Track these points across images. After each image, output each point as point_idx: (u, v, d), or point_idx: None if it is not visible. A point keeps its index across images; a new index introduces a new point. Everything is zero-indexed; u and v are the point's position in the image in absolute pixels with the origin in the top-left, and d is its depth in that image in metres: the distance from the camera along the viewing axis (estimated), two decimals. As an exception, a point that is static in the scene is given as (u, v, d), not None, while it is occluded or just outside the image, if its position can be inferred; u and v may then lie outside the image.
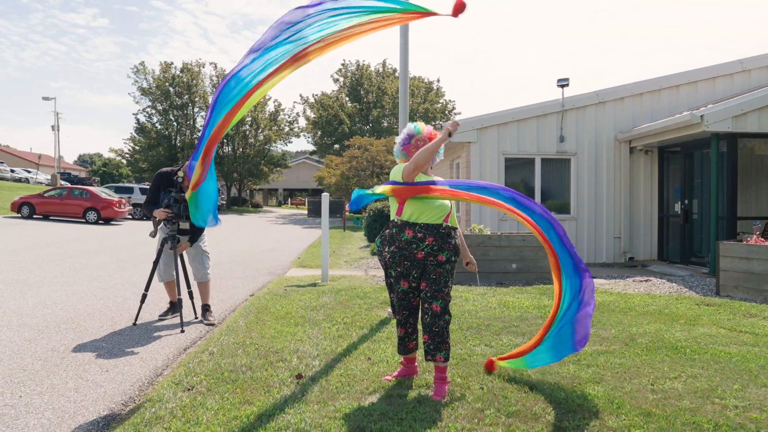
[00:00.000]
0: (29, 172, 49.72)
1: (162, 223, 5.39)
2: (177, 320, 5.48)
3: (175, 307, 5.66)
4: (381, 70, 45.43)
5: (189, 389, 3.51)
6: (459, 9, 3.12)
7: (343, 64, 45.83)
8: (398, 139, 3.78)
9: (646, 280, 8.63)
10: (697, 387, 3.58)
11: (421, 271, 3.59)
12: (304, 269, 9.98)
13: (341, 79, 45.83)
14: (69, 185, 32.61)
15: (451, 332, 5.02)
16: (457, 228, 3.72)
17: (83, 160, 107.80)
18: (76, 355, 4.34)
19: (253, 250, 13.60)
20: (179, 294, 5.29)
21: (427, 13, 3.21)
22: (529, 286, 7.96)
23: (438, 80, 46.39)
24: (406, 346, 3.79)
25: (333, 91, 46.07)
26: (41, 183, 45.21)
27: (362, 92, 44.01)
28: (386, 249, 3.62)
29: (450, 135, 3.49)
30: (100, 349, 4.52)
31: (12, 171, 46.48)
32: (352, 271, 9.93)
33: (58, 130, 52.08)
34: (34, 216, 23.05)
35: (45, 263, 9.99)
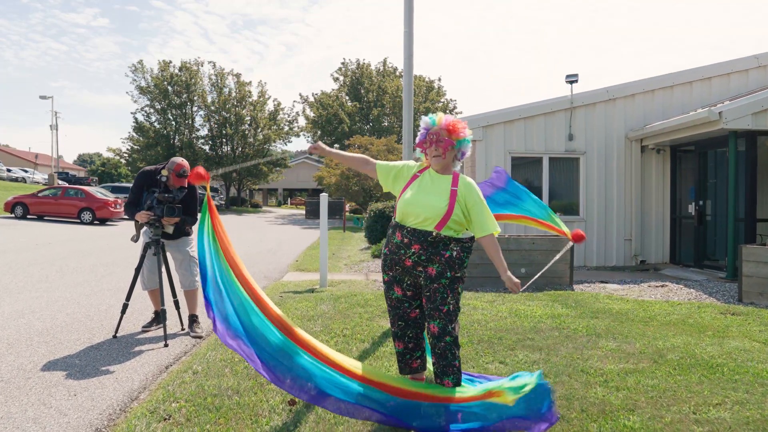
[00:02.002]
0: (26, 171, 49.23)
1: (145, 227, 4.95)
2: (161, 332, 5.03)
3: (159, 317, 5.21)
4: (381, 68, 44.95)
5: (165, 419, 3.07)
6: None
7: (343, 63, 45.35)
8: (418, 137, 3.35)
9: (662, 286, 8.19)
10: (747, 417, 3.13)
11: (413, 279, 3.19)
12: (302, 273, 9.54)
13: (341, 78, 45.35)
14: (64, 185, 32.16)
15: (461, 346, 4.61)
16: (458, 239, 3.09)
17: (83, 160, 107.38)
18: (44, 374, 3.89)
19: (250, 252, 13.15)
20: (163, 304, 4.84)
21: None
22: (540, 292, 7.51)
23: (439, 79, 46.02)
24: (407, 363, 3.36)
25: (333, 90, 45.57)
26: (38, 183, 44.72)
27: (362, 91, 43.53)
28: (382, 250, 3.30)
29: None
30: (72, 367, 4.08)
31: (8, 170, 45.97)
32: (352, 275, 9.48)
33: (57, 130, 51.73)
34: (28, 216, 22.60)
35: (31, 266, 9.55)
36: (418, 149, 3.29)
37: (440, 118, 3.23)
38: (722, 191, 9.70)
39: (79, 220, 22.00)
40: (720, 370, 4.00)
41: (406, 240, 3.10)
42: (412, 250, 3.08)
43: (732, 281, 8.58)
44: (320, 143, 3.42)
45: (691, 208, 10.53)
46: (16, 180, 44.48)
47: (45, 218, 22.66)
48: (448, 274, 3.06)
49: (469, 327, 5.27)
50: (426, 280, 3.11)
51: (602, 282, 8.66)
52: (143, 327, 5.20)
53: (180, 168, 4.82)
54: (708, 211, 10.22)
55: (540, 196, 10.89)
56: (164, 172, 4.78)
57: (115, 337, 4.92)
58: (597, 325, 5.46)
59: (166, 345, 4.67)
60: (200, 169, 3.11)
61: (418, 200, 3.11)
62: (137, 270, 4.96)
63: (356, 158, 3.47)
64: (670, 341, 4.83)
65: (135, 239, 5.01)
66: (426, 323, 3.17)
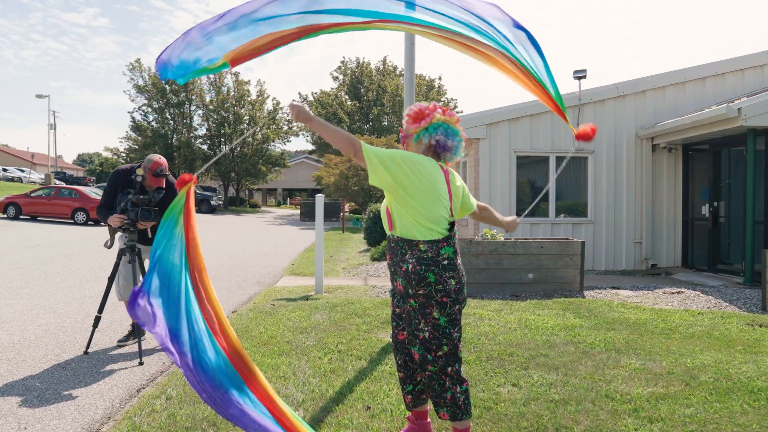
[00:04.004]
0: (23, 171, 48.75)
1: (119, 232, 4.49)
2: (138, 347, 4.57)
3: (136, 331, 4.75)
4: (381, 67, 44.49)
5: (125, 460, 2.61)
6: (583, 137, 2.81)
7: (342, 62, 44.88)
8: None
9: (678, 292, 7.73)
10: (809, 459, 2.68)
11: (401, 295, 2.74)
12: (297, 278, 9.08)
13: (341, 77, 44.90)
14: (58, 185, 31.70)
15: (468, 364, 4.15)
16: (410, 243, 2.57)
17: (82, 160, 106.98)
18: (-4, 401, 3.43)
19: (245, 255, 12.69)
20: (138, 317, 4.38)
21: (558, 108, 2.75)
22: (549, 300, 7.05)
23: (440, 78, 45.50)
24: (403, 396, 2.89)
25: (332, 89, 45.14)
26: (35, 182, 44.24)
27: (362, 90, 43.08)
28: None
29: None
30: (30, 391, 3.62)
31: (4, 170, 45.49)
32: (350, 280, 9.02)
33: (55, 129, 51.29)
34: (21, 217, 22.16)
35: (14, 270, 9.11)
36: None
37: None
38: (738, 192, 9.25)
39: (72, 221, 21.55)
40: (763, 395, 3.54)
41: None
42: (388, 261, 2.77)
43: (751, 287, 8.12)
44: (299, 106, 2.45)
45: (705, 210, 10.07)
46: (12, 180, 43.99)
47: (38, 219, 22.22)
48: (410, 291, 2.60)
49: (476, 340, 4.82)
50: (400, 298, 2.73)
51: (614, 288, 8.20)
52: (119, 341, 4.74)
53: (157, 167, 4.37)
54: (721, 213, 9.76)
55: (546, 197, 10.45)
56: (139, 171, 4.33)
57: (86, 353, 4.46)
58: (615, 339, 5.00)
59: (140, 363, 4.22)
60: (184, 176, 2.56)
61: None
62: (110, 279, 4.50)
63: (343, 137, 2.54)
64: (699, 358, 4.37)
65: (109, 245, 4.55)
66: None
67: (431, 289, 2.56)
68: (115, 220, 4.29)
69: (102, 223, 21.99)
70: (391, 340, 2.91)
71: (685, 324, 5.66)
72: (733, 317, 6.02)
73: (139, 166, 4.41)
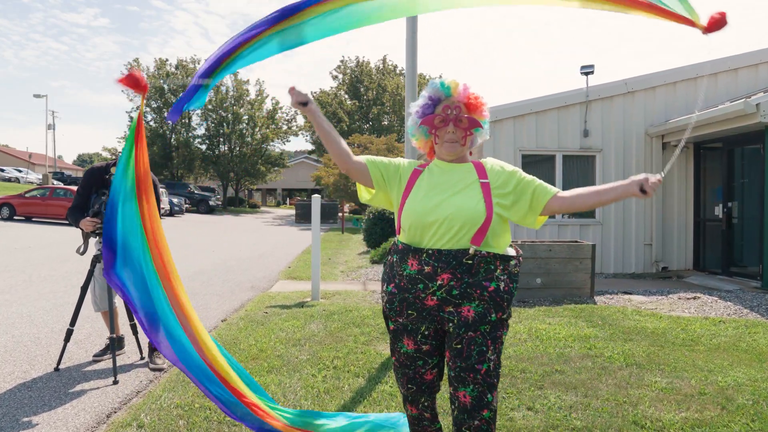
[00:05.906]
0: (20, 171, 48.37)
1: (92, 236, 4.10)
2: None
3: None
4: (381, 66, 44.12)
5: None
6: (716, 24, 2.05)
7: (342, 61, 44.51)
8: (414, 107, 2.32)
9: (694, 298, 7.33)
10: None
11: (435, 327, 2.17)
12: (294, 282, 8.68)
13: (340, 76, 44.53)
14: (53, 185, 31.32)
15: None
16: (503, 258, 2.13)
17: (83, 160, 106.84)
18: (-55, 430, 3.04)
19: (241, 257, 12.29)
20: (113, 331, 3.99)
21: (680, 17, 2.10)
22: (558, 306, 6.66)
23: (440, 77, 45.05)
24: None
25: (332, 88, 44.77)
26: (32, 183, 43.84)
27: (362, 89, 42.70)
28: (384, 288, 2.25)
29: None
30: (-14, 417, 3.22)
31: (1, 170, 45.10)
32: (348, 284, 8.62)
33: (54, 129, 50.97)
34: (15, 217, 21.77)
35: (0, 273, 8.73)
36: (421, 128, 2.26)
37: (456, 85, 2.22)
38: (753, 192, 8.85)
39: (67, 222, 21.14)
40: (810, 421, 3.15)
41: (427, 268, 2.08)
42: (438, 282, 2.08)
43: (770, 292, 7.73)
44: (299, 90, 2.36)
45: (718, 210, 9.67)
46: (9, 180, 43.60)
47: (33, 219, 21.84)
48: (492, 317, 2.07)
49: (484, 354, 4.42)
50: (458, 327, 2.08)
51: (626, 293, 7.80)
52: (94, 356, 4.34)
53: (134, 164, 3.96)
54: (735, 214, 9.37)
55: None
56: (113, 170, 3.93)
57: (56, 369, 4.07)
58: (635, 351, 4.61)
59: (115, 381, 3.82)
60: (135, 73, 2.23)
61: (441, 203, 2.12)
62: (83, 288, 4.11)
63: (340, 143, 2.29)
64: (731, 375, 3.97)
65: (82, 251, 4.16)
66: (451, 389, 2.12)
67: (511, 309, 2.17)
68: (87, 224, 3.90)
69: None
70: (407, 385, 2.29)
71: (708, 334, 5.27)
72: (758, 326, 5.62)
73: (114, 164, 4.02)
